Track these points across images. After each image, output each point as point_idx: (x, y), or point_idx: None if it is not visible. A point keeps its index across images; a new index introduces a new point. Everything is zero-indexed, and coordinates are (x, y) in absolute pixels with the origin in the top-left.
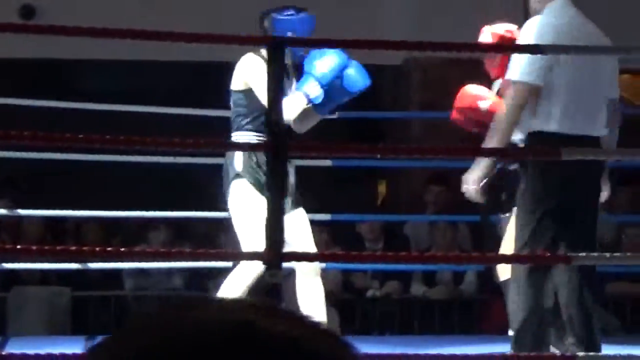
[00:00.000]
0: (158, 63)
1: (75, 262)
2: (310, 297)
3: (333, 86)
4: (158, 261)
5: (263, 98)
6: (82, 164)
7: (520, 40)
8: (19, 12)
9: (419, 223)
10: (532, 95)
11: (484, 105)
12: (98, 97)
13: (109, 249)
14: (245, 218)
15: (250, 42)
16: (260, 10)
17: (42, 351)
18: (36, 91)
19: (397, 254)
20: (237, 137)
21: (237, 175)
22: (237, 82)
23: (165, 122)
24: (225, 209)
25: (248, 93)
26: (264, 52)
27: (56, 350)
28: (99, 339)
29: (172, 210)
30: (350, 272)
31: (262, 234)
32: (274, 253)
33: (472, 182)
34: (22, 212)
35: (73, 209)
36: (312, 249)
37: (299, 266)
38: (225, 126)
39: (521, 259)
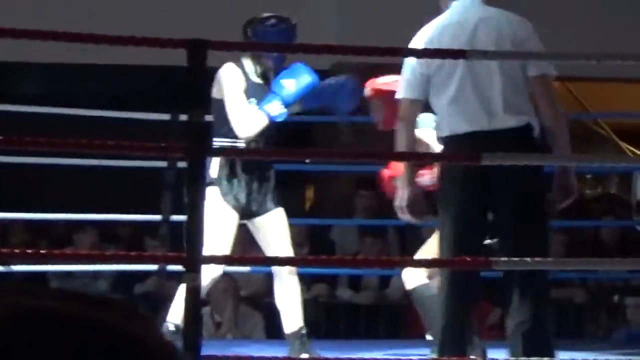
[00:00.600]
0: (94, 66)
1: (1, 264)
2: (287, 296)
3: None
4: (84, 264)
5: (228, 107)
6: (9, 166)
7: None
8: None
9: (347, 228)
10: (416, 108)
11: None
12: (31, 100)
13: (33, 251)
14: (209, 226)
15: (168, 45)
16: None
17: None
18: None
19: (326, 258)
20: (215, 143)
21: (211, 183)
22: (215, 91)
23: (93, 125)
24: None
25: (222, 102)
26: (245, 61)
27: None
28: None
29: (98, 212)
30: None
31: (223, 244)
32: (194, 256)
33: (401, 210)
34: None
35: None
36: (289, 250)
37: (275, 268)
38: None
39: (445, 263)
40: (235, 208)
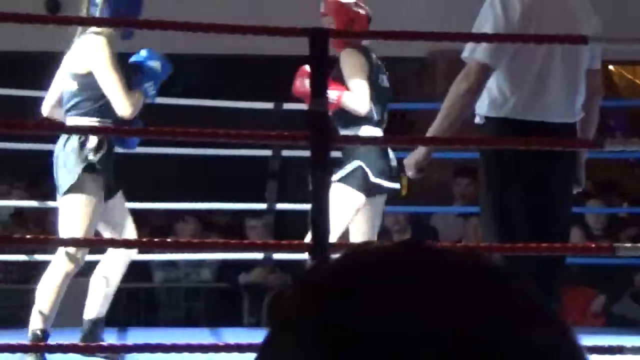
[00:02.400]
0: (187, 56)
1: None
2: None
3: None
4: (187, 252)
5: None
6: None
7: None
8: (45, 5)
9: (448, 215)
10: (486, 77)
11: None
12: None
13: (135, 239)
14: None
15: (290, 34)
16: None
17: (69, 342)
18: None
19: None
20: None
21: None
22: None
23: (184, 114)
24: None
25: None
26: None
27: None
28: (129, 331)
29: (198, 201)
30: None
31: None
32: (321, 244)
33: (409, 167)
34: (51, 204)
35: None
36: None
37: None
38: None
39: (564, 249)
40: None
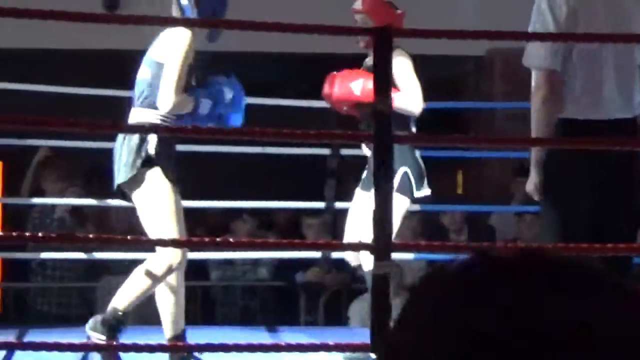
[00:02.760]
0: (246, 54)
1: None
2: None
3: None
4: (244, 251)
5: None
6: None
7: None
8: (103, 3)
9: (506, 214)
10: (554, 80)
11: (356, 87)
12: None
13: (195, 239)
14: (162, 212)
15: (354, 33)
16: None
17: (129, 341)
18: (121, 82)
19: (478, 244)
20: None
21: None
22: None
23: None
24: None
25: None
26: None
27: (144, 340)
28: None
29: (256, 200)
30: (436, 263)
31: (179, 231)
32: (384, 244)
33: (532, 193)
34: (111, 202)
35: None
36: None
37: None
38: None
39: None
40: None
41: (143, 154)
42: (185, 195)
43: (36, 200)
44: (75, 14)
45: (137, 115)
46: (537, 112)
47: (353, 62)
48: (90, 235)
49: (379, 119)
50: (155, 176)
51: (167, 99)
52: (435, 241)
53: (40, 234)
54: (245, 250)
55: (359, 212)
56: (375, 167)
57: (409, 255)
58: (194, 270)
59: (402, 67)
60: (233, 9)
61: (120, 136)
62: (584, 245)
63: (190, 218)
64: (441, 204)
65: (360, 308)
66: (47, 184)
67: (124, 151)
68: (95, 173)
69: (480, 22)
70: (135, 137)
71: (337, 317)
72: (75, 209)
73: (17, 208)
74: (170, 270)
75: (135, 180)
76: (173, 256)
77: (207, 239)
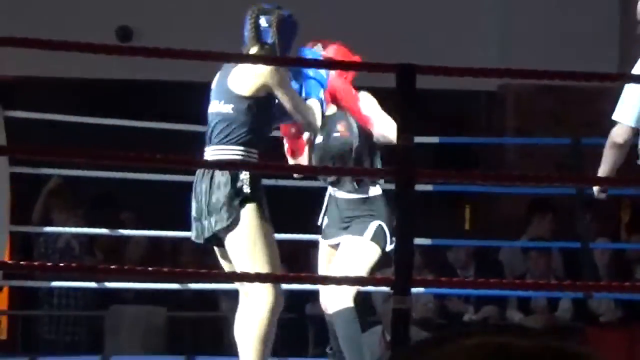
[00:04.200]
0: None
1: (173, 282)
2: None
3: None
4: (253, 281)
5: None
6: (179, 185)
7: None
8: (117, 33)
9: (514, 249)
10: (629, 135)
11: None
12: (197, 119)
13: (205, 270)
14: (260, 251)
15: (377, 69)
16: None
17: None
18: (135, 112)
19: (496, 281)
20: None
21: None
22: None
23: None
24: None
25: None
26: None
27: None
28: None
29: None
30: (444, 297)
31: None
32: (404, 278)
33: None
34: (123, 232)
35: (171, 229)
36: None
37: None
38: None
39: None
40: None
41: (240, 194)
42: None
43: (48, 228)
44: (104, 46)
45: (219, 152)
46: (606, 154)
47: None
48: (112, 267)
49: (403, 154)
50: (252, 214)
51: (310, 125)
52: (442, 276)
53: (61, 264)
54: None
55: (339, 264)
56: (396, 202)
57: (419, 289)
58: (203, 301)
59: (371, 102)
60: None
61: (202, 177)
62: None
63: (199, 248)
64: (448, 239)
65: (369, 341)
66: (55, 212)
67: (214, 194)
68: (104, 201)
69: (494, 58)
70: (225, 177)
71: None
72: (84, 237)
73: (26, 236)
74: (273, 309)
75: (233, 222)
76: (272, 297)
77: (216, 271)
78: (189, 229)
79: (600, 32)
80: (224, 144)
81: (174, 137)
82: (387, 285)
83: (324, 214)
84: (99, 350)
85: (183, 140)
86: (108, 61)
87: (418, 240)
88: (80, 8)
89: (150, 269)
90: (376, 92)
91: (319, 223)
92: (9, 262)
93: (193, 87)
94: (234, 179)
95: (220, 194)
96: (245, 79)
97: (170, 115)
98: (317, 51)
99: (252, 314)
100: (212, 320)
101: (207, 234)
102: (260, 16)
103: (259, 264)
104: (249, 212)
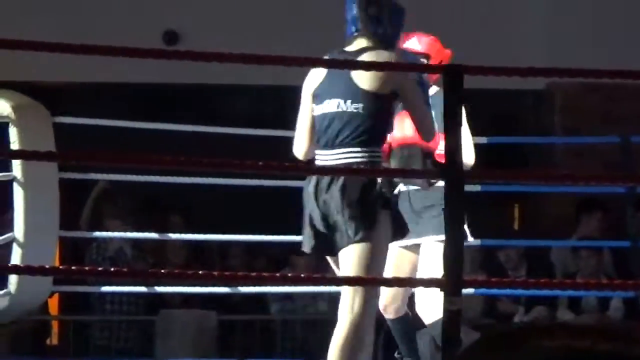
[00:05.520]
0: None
1: (222, 286)
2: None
3: None
4: (302, 285)
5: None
6: (228, 188)
7: None
8: (163, 37)
9: (566, 249)
10: None
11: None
12: (243, 122)
13: (256, 274)
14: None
15: (427, 70)
16: None
17: None
18: (181, 116)
19: (546, 281)
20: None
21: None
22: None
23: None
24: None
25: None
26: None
27: None
28: None
29: None
30: (495, 298)
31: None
32: (455, 279)
33: None
34: (172, 236)
35: (218, 232)
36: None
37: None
38: None
39: None
40: None
41: (381, 198)
42: (247, 229)
43: (97, 233)
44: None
45: (346, 155)
46: None
47: None
48: (162, 271)
49: (451, 156)
50: (387, 221)
51: (431, 133)
52: (493, 277)
53: (111, 269)
54: (305, 285)
55: (426, 265)
56: (446, 202)
57: (469, 290)
58: (253, 304)
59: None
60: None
61: (327, 184)
62: None
63: (250, 250)
64: (498, 239)
65: (419, 343)
66: (107, 218)
67: (353, 202)
68: (153, 206)
69: (542, 57)
70: (363, 182)
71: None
72: (135, 242)
73: (76, 242)
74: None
75: (372, 228)
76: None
77: (267, 274)
78: (238, 232)
79: None
80: (351, 145)
81: (222, 140)
82: (437, 286)
83: None
84: (151, 354)
85: (233, 143)
86: (155, 65)
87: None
88: (126, 13)
89: (200, 272)
90: None
91: None
92: (60, 267)
93: (239, 90)
94: (373, 182)
95: (360, 201)
96: (379, 76)
97: (217, 118)
98: (412, 49)
99: (347, 332)
100: (262, 324)
101: (345, 244)
102: (370, 3)
103: (372, 270)
104: (385, 218)
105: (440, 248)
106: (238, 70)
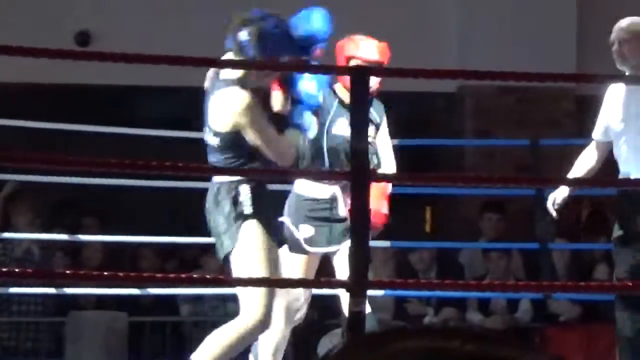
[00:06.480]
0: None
1: (133, 287)
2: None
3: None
4: (213, 287)
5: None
6: (138, 189)
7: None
8: (75, 38)
9: (474, 251)
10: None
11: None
12: (155, 124)
13: (162, 275)
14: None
15: (332, 72)
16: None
17: None
18: (93, 117)
19: (452, 282)
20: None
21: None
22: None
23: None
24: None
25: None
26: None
27: None
28: None
29: None
30: (404, 299)
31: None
32: (360, 281)
33: (550, 201)
34: (82, 237)
35: (131, 234)
36: None
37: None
38: None
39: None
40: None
41: (241, 216)
42: (160, 231)
43: (5, 234)
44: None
45: (219, 178)
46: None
47: None
48: (68, 272)
49: (357, 157)
50: (254, 235)
51: (280, 159)
52: (403, 279)
53: (16, 270)
54: (216, 287)
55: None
56: (352, 205)
57: (379, 292)
58: (164, 306)
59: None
60: None
61: (210, 194)
62: None
63: (162, 253)
64: (410, 242)
65: (329, 343)
66: (15, 218)
67: (218, 216)
68: (64, 206)
69: (454, 60)
70: (227, 199)
71: (306, 354)
72: (46, 244)
73: None
74: (253, 328)
75: (236, 243)
76: (258, 317)
77: (182, 275)
78: (149, 233)
79: (558, 34)
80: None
81: (136, 141)
82: (343, 288)
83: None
84: (60, 356)
85: (149, 145)
86: (66, 66)
87: (376, 243)
88: (38, 13)
89: (107, 273)
90: None
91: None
92: None
93: (152, 91)
94: (235, 201)
95: (223, 217)
96: (222, 116)
97: (132, 119)
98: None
99: (233, 322)
100: (173, 325)
101: (221, 255)
102: (242, 28)
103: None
104: (250, 233)
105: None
106: (152, 72)
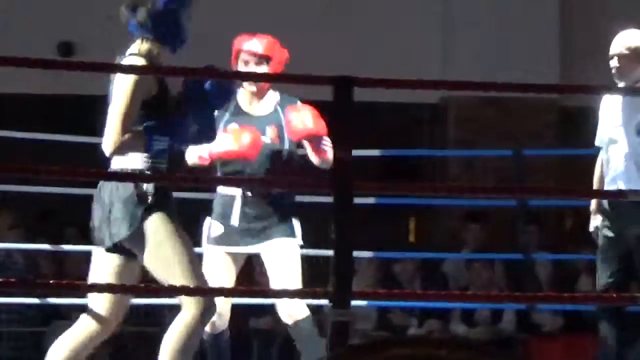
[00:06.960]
0: None
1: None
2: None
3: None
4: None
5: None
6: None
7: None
8: (58, 48)
9: (457, 261)
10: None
11: None
12: None
13: (145, 285)
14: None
15: (315, 82)
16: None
17: None
18: (75, 127)
19: (436, 293)
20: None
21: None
22: None
23: None
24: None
25: None
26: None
27: None
28: None
29: None
30: (387, 310)
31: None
32: (343, 292)
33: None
34: (65, 247)
35: None
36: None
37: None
38: None
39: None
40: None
41: (143, 203)
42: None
43: None
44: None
45: (120, 160)
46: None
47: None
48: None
49: (341, 166)
50: (159, 223)
51: (106, 142)
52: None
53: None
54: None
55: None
56: (335, 215)
57: (361, 302)
58: (145, 315)
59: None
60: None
61: (105, 185)
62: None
63: None
64: (393, 252)
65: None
66: None
67: (115, 203)
68: (47, 216)
69: (437, 72)
70: (128, 186)
71: None
72: (28, 253)
73: None
74: (203, 320)
75: (138, 233)
76: (199, 305)
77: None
78: None
79: (541, 46)
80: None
81: None
82: (326, 298)
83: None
84: None
85: None
86: (48, 76)
87: (360, 253)
88: (21, 24)
89: (90, 283)
90: (313, 105)
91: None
92: None
93: None
94: (137, 187)
95: (121, 204)
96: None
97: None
98: (252, 50)
99: (177, 322)
100: (158, 335)
101: (107, 244)
102: (134, 9)
103: (175, 273)
104: (155, 222)
105: (288, 251)
106: None
